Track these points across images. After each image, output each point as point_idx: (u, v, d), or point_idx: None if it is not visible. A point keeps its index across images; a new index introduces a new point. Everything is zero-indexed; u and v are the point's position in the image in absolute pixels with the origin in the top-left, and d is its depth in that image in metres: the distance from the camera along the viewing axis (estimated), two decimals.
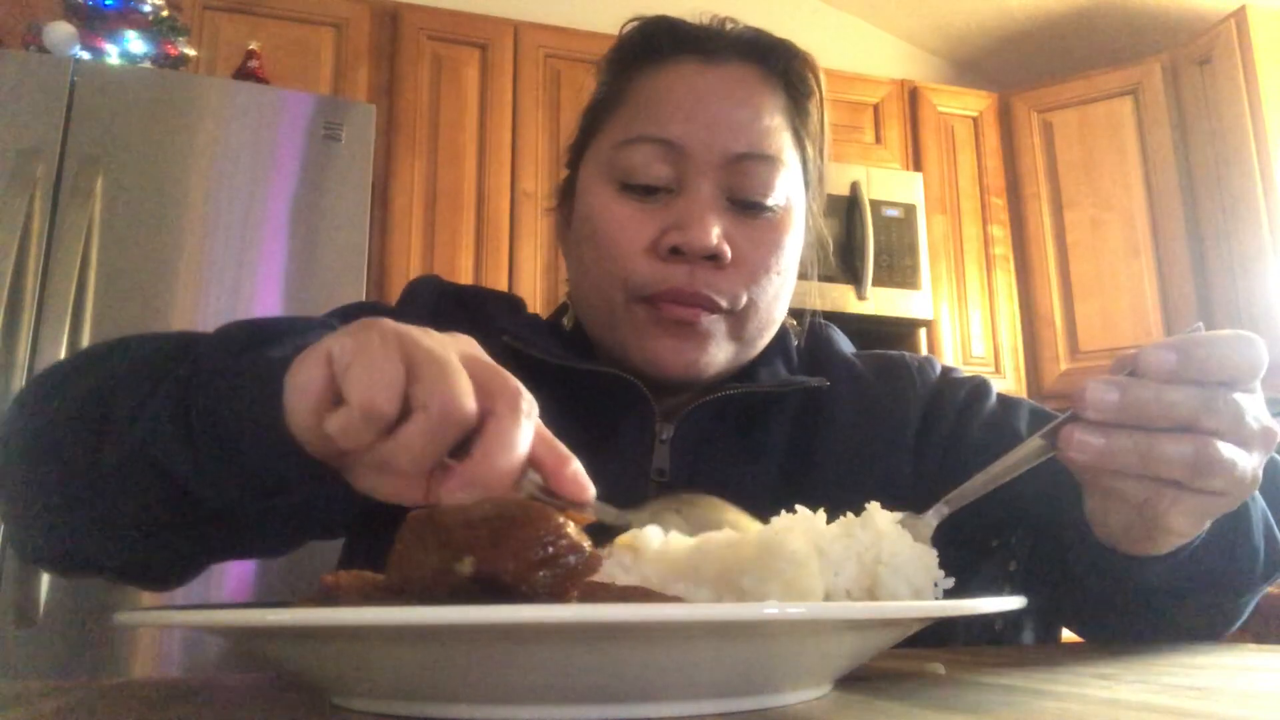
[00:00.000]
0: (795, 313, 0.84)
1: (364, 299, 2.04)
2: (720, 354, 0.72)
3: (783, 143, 0.73)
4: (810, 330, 0.86)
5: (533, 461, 0.42)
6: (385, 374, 0.38)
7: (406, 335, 0.40)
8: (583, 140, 0.79)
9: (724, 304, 0.70)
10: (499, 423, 0.40)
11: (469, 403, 0.39)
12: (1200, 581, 0.56)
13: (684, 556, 0.40)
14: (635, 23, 0.78)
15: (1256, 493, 0.55)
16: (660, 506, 0.49)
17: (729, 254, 0.69)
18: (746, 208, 0.71)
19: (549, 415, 0.70)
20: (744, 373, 0.77)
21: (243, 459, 0.48)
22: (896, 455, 0.75)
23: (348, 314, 0.71)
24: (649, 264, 0.69)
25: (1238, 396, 0.46)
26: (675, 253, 0.69)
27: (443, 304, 0.80)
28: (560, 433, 0.69)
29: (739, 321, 0.72)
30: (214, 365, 0.50)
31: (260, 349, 0.50)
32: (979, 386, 0.80)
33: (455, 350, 0.41)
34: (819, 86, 0.78)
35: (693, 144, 0.70)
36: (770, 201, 0.72)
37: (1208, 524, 0.51)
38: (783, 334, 0.81)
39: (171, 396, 0.51)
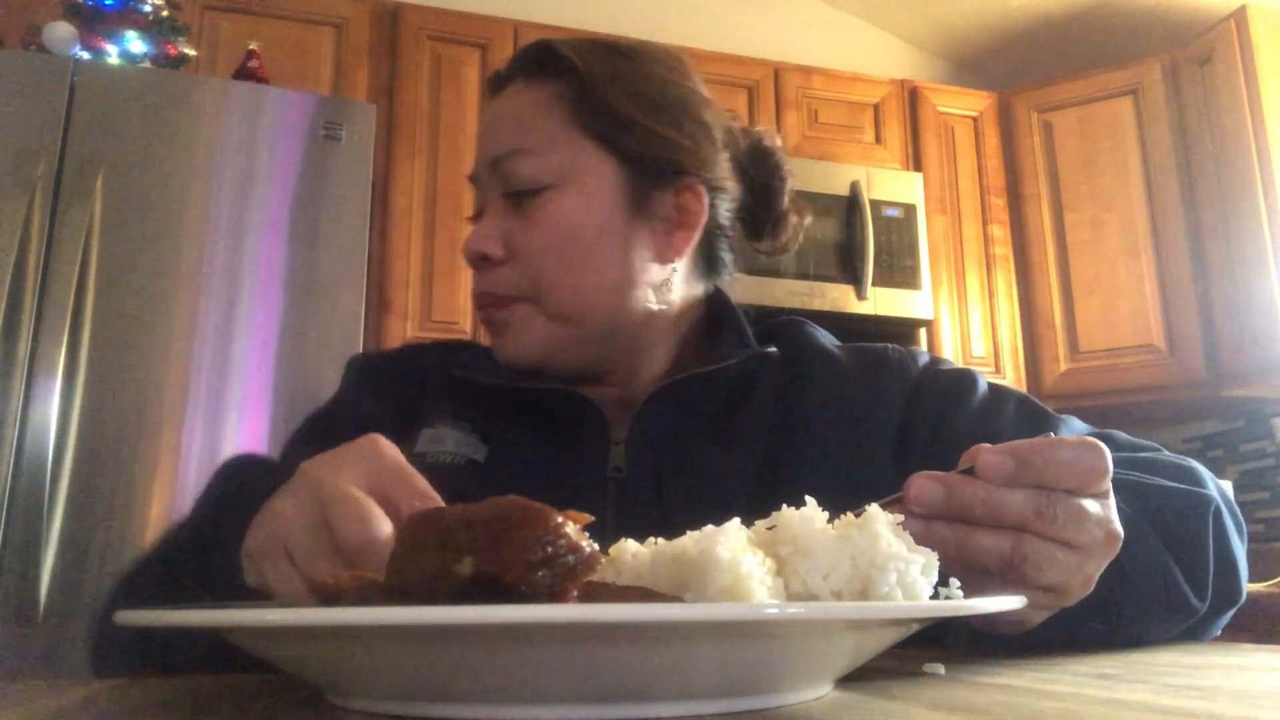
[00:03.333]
0: (764, 311, 0.86)
1: (363, 299, 2.04)
2: (536, 336, 0.76)
3: (548, 130, 0.76)
4: (781, 325, 0.87)
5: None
6: (289, 588, 0.46)
7: (302, 503, 0.47)
8: None
9: (509, 294, 0.76)
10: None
11: (382, 533, 0.45)
12: (1095, 634, 0.56)
13: (646, 569, 0.40)
14: None
15: (1165, 553, 0.57)
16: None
17: (496, 252, 0.76)
18: (518, 201, 0.76)
19: (510, 437, 0.78)
20: (694, 359, 0.80)
21: None
22: (878, 448, 0.75)
23: (312, 431, 0.81)
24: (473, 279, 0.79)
25: (1083, 502, 0.47)
26: (472, 265, 0.78)
27: (368, 378, 0.87)
28: (521, 449, 0.77)
29: (544, 303, 0.75)
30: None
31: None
32: (963, 378, 0.80)
33: (353, 478, 0.47)
34: (598, 67, 0.78)
35: (477, 167, 0.80)
36: (531, 185, 0.76)
37: (1041, 616, 0.51)
38: (733, 318, 0.82)
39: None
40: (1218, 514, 0.62)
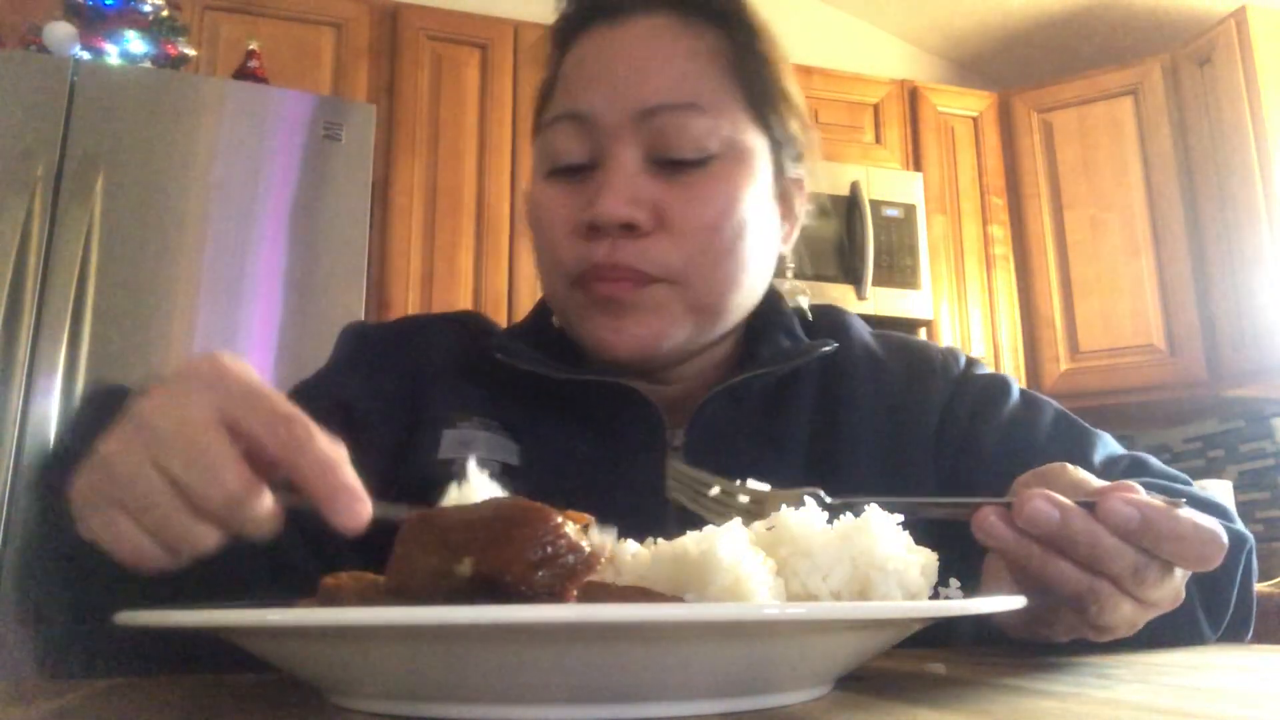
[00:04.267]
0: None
1: (363, 299, 2.04)
2: (674, 328, 0.67)
3: (712, 87, 0.67)
4: (821, 311, 0.81)
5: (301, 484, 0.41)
6: (130, 543, 0.40)
7: (106, 473, 0.40)
8: (534, 130, 0.76)
9: (655, 273, 0.65)
10: (302, 463, 0.40)
11: (203, 539, 0.40)
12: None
13: (646, 569, 0.40)
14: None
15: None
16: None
17: (644, 220, 0.64)
18: (675, 167, 0.66)
19: (545, 434, 0.69)
20: (744, 355, 0.74)
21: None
22: (920, 453, 0.72)
23: (297, 393, 0.70)
24: (573, 245, 0.66)
25: (1176, 571, 0.46)
26: (595, 229, 0.65)
27: (362, 353, 0.75)
28: (561, 452, 0.68)
29: (689, 290, 0.66)
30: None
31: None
32: (995, 386, 0.76)
33: (198, 410, 0.40)
34: (762, 26, 0.72)
35: (600, 110, 0.66)
36: (697, 154, 0.66)
37: (1067, 639, 0.50)
38: (780, 308, 0.77)
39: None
40: (1250, 555, 0.62)
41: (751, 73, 0.70)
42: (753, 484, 0.51)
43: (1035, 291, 2.96)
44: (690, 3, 0.69)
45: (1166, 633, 0.56)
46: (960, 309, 2.90)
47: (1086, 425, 0.74)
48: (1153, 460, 0.73)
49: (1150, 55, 2.97)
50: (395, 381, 0.72)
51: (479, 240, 2.46)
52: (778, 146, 0.72)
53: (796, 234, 0.77)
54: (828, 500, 0.49)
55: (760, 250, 0.70)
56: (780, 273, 0.78)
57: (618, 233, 0.65)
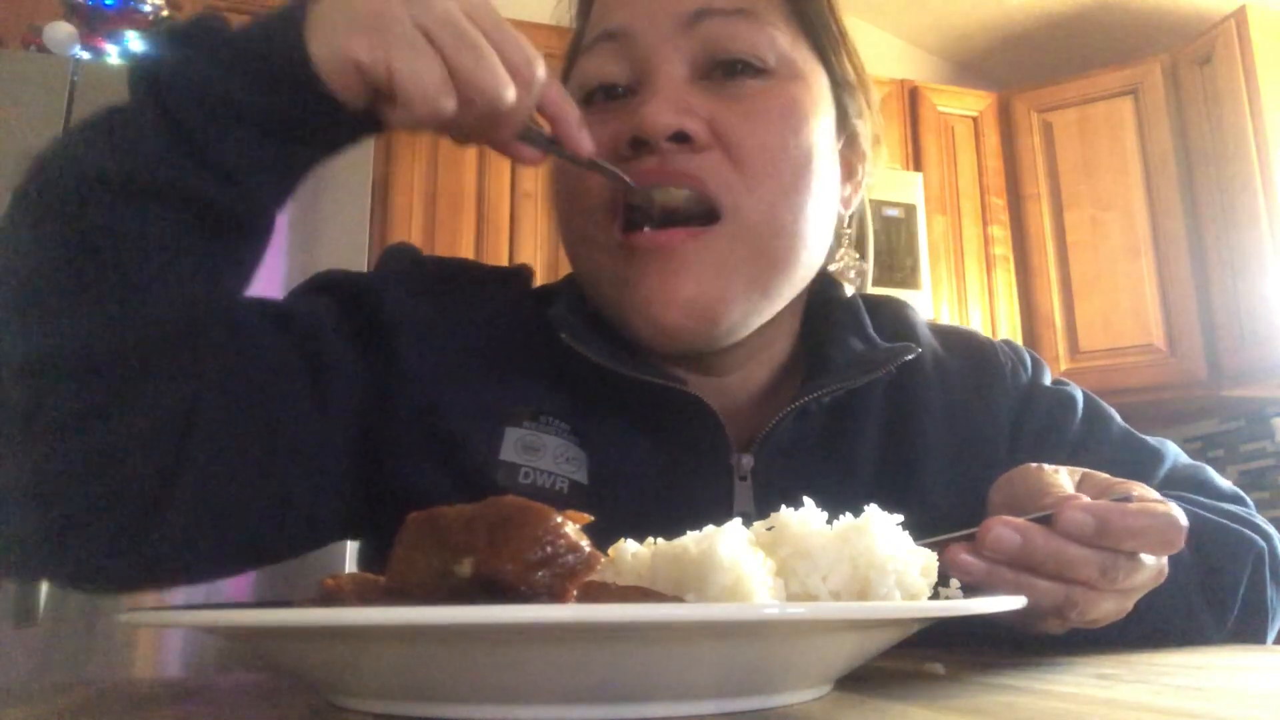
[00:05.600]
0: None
1: None
2: (735, 288, 0.58)
3: (761, 2, 0.61)
4: (883, 305, 0.73)
5: (545, 112, 0.52)
6: (432, 79, 0.44)
7: (426, 20, 0.44)
8: (565, 80, 0.68)
9: (715, 190, 0.57)
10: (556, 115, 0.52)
11: (509, 95, 0.46)
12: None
13: (646, 569, 0.40)
14: None
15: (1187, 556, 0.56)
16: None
17: (699, 133, 0.57)
18: (727, 74, 0.59)
19: (610, 441, 0.60)
20: (812, 361, 0.66)
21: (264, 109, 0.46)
22: (988, 466, 0.63)
23: (320, 284, 0.64)
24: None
25: (1143, 558, 0.47)
26: (639, 145, 0.57)
27: (418, 279, 0.65)
28: (636, 472, 0.60)
29: (750, 233, 0.57)
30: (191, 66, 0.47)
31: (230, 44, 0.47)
32: (1062, 402, 0.71)
33: (469, 18, 0.46)
34: None
35: (637, 21, 0.59)
36: (755, 60, 0.59)
37: (1064, 629, 0.51)
38: (846, 302, 0.70)
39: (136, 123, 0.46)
40: (1259, 560, 0.61)
41: (812, 3, 0.64)
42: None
43: (1035, 291, 2.96)
44: None
45: (1162, 622, 0.57)
46: (960, 309, 2.90)
47: (1149, 441, 0.72)
48: (1212, 477, 0.71)
49: (1150, 55, 2.96)
50: (444, 324, 0.63)
51: (479, 240, 2.46)
52: (838, 87, 0.65)
53: (858, 201, 0.71)
54: None
55: (825, 200, 0.62)
56: (834, 252, 0.70)
57: (667, 147, 0.57)
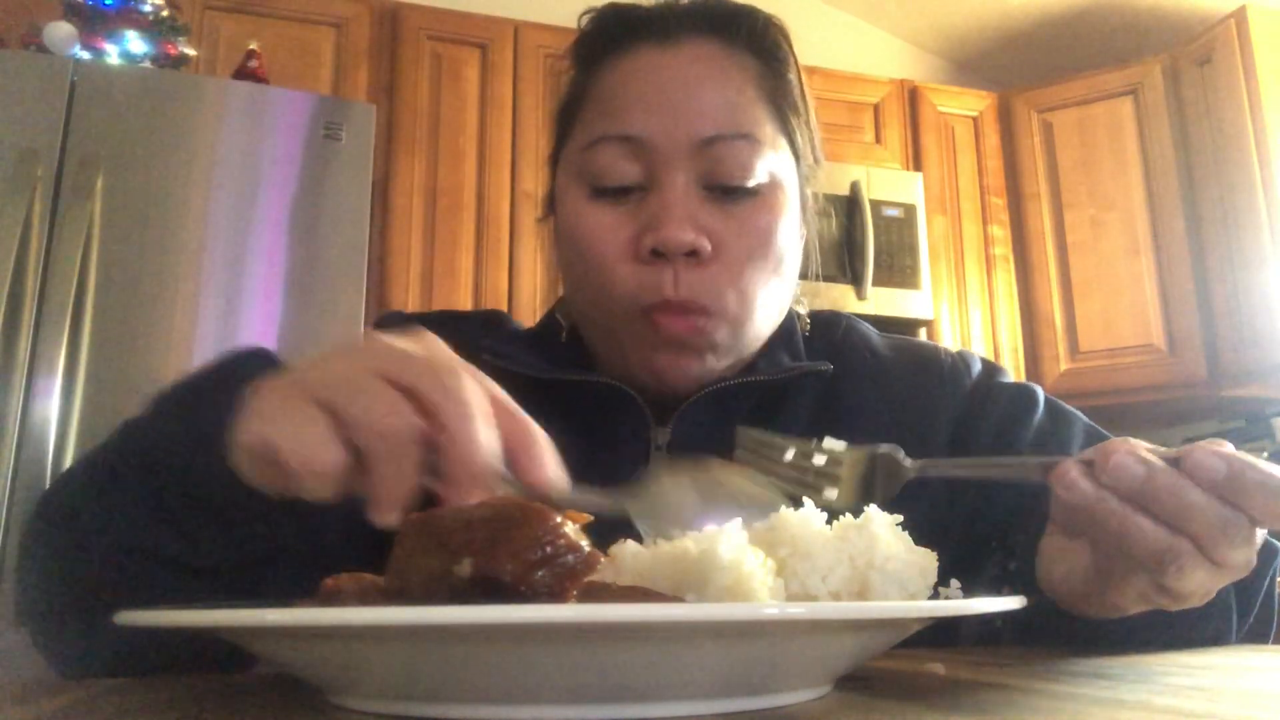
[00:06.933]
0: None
1: (363, 299, 2.04)
2: (720, 362, 0.70)
3: (759, 117, 0.69)
4: (821, 320, 0.81)
5: (506, 443, 0.42)
6: (311, 438, 0.38)
7: (317, 376, 0.39)
8: (557, 144, 0.76)
9: (714, 306, 0.66)
10: (451, 436, 0.38)
11: (409, 428, 0.38)
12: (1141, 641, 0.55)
13: (646, 568, 0.40)
14: (589, 14, 0.74)
15: None
16: (670, 477, 0.48)
17: (708, 247, 0.65)
18: (726, 194, 0.67)
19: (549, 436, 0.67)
20: (743, 365, 0.74)
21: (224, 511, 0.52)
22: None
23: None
24: (632, 270, 0.66)
25: (1258, 531, 0.44)
26: (656, 254, 0.65)
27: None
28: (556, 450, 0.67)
29: (736, 320, 0.68)
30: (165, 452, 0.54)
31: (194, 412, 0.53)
32: (1023, 396, 0.74)
33: (376, 364, 0.39)
34: (792, 51, 0.74)
35: (656, 135, 0.66)
36: (751, 183, 0.67)
37: (1139, 609, 0.48)
38: (786, 323, 0.77)
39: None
40: (1277, 561, 0.62)
41: (782, 98, 0.71)
42: (830, 442, 0.51)
43: (1035, 291, 2.96)
44: (734, 30, 0.71)
45: (1200, 626, 0.56)
46: (960, 309, 2.90)
47: (1115, 439, 0.73)
48: None
49: (1150, 55, 2.97)
50: None
51: (479, 240, 2.46)
52: (798, 160, 0.73)
53: (804, 241, 0.77)
54: (906, 462, 0.50)
55: (789, 277, 0.73)
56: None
57: (681, 260, 0.65)
